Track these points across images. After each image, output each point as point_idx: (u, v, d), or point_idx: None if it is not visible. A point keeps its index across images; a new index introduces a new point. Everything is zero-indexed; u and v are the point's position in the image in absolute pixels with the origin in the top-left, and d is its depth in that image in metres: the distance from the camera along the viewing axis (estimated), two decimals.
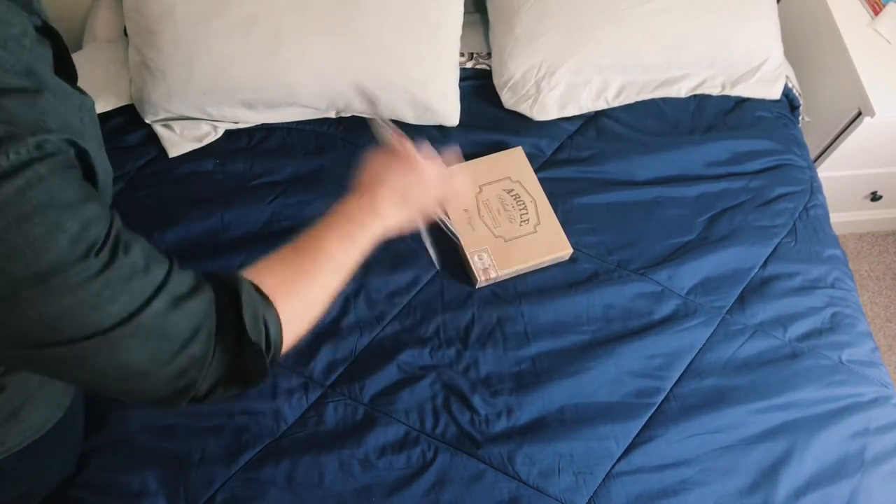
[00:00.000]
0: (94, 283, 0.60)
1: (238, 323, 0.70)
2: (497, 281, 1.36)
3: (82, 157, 0.63)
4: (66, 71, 0.74)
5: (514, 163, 1.47)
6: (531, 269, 1.38)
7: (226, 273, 0.74)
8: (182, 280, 0.68)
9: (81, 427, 1.14)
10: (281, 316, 0.74)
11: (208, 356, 0.68)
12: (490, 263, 1.35)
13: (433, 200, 0.98)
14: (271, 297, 0.74)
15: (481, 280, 1.34)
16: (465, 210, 1.40)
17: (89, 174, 0.65)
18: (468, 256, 1.35)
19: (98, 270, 0.60)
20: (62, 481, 1.12)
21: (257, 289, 0.73)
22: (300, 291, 0.79)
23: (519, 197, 1.43)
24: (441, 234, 1.24)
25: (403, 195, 0.93)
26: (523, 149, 1.50)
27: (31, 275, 0.57)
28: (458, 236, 1.33)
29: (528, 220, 1.41)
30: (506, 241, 1.38)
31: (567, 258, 1.40)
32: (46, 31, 0.70)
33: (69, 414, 0.97)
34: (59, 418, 0.95)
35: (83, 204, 0.61)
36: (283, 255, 0.82)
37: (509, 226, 1.40)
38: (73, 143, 0.61)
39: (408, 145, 0.97)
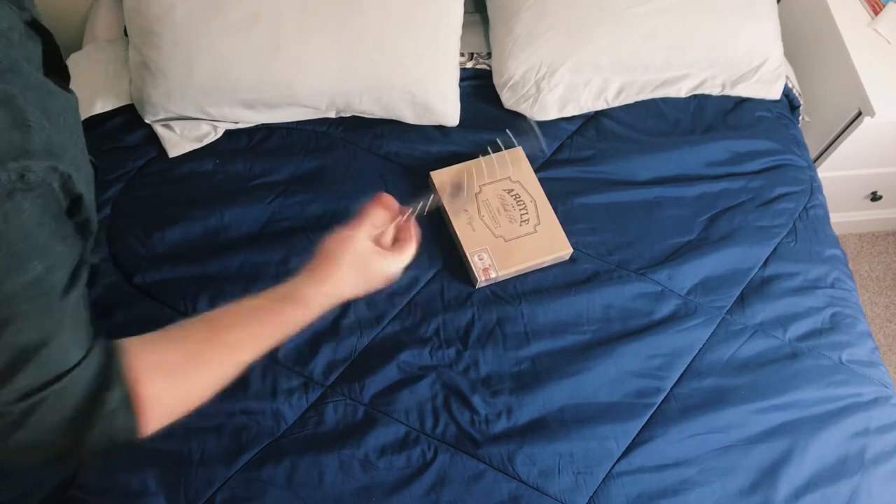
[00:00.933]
0: (29, 332, 0.59)
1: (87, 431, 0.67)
2: (497, 281, 1.36)
3: (65, 183, 0.61)
4: (57, 70, 0.72)
5: (514, 163, 1.47)
6: (531, 269, 1.38)
7: (107, 368, 0.68)
8: (84, 374, 0.65)
9: None
10: (144, 428, 0.71)
11: (49, 449, 0.66)
12: (490, 263, 1.35)
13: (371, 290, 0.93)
14: (143, 410, 0.70)
15: (481, 280, 1.34)
16: (465, 210, 1.40)
17: (73, 194, 0.63)
18: (468, 256, 1.35)
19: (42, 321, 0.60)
20: (60, 482, 1.12)
21: (128, 403, 0.69)
22: (181, 407, 0.76)
23: (519, 197, 1.43)
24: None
25: (351, 292, 0.89)
26: (523, 148, 1.50)
27: None
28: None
29: (528, 220, 1.41)
30: (506, 241, 1.38)
31: (567, 258, 1.40)
32: (37, 29, 0.69)
33: None
34: None
35: (54, 246, 0.60)
36: (190, 357, 0.76)
37: (509, 226, 1.40)
38: (55, 170, 0.59)
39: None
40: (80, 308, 0.65)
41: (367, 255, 0.90)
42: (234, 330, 0.79)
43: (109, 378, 0.67)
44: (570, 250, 1.39)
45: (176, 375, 0.74)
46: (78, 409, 0.65)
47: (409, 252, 0.94)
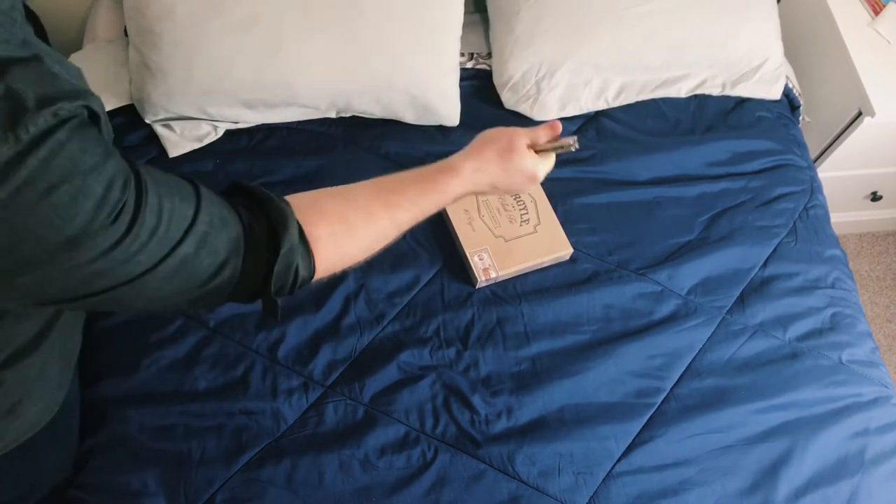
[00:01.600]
0: (123, 242, 0.62)
1: (267, 269, 0.72)
2: (497, 281, 1.36)
3: (94, 117, 0.65)
4: None
5: None
6: (531, 270, 1.38)
7: (276, 204, 0.76)
8: (211, 214, 0.70)
9: (76, 430, 1.14)
10: (319, 265, 0.77)
11: (228, 287, 0.71)
12: (490, 263, 1.35)
13: (516, 189, 1.00)
14: (318, 249, 0.76)
15: (481, 280, 1.34)
16: (466, 210, 1.40)
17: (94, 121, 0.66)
18: (468, 256, 1.35)
19: (125, 230, 0.62)
20: (57, 485, 1.12)
21: (303, 238, 0.75)
22: (350, 256, 0.82)
23: (519, 197, 1.43)
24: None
25: (495, 179, 0.96)
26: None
27: (63, 241, 0.59)
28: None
29: (528, 219, 1.41)
30: (506, 241, 1.38)
31: (567, 258, 1.40)
32: (28, 13, 0.71)
33: (63, 410, 0.97)
34: (55, 414, 0.95)
35: (104, 164, 0.62)
36: (354, 205, 0.84)
37: (509, 226, 1.40)
38: (85, 107, 0.62)
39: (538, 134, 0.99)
40: (160, 181, 0.67)
41: (518, 150, 0.96)
42: (394, 192, 0.87)
43: (283, 218, 0.75)
44: (570, 250, 1.39)
45: (345, 223, 0.81)
46: (234, 242, 0.71)
47: (550, 163, 1.01)
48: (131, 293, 0.66)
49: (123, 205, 0.62)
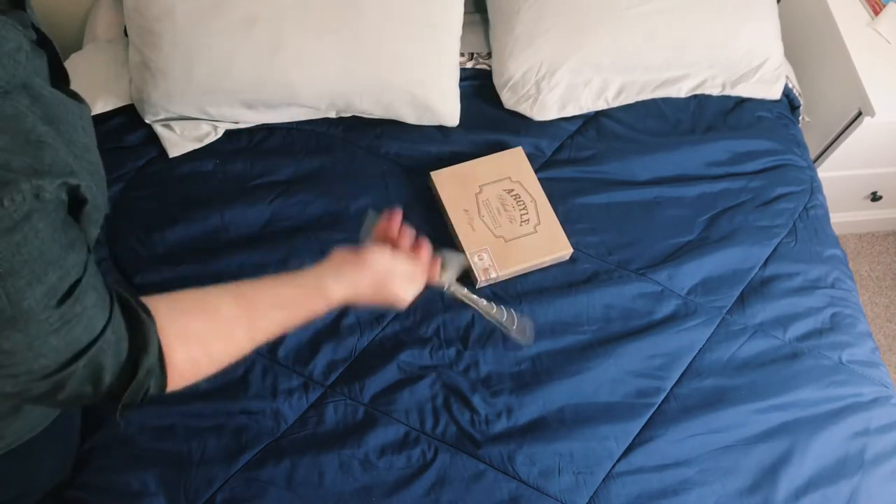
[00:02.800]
0: (48, 334, 0.64)
1: (123, 384, 0.72)
2: (497, 281, 1.36)
3: (73, 191, 0.65)
4: (60, 76, 0.75)
5: (514, 163, 1.47)
6: (531, 270, 1.38)
7: (143, 324, 0.73)
8: (111, 334, 0.70)
9: (76, 432, 1.14)
10: (170, 386, 0.76)
11: (86, 397, 0.71)
12: (490, 264, 1.35)
13: (392, 299, 0.97)
14: (173, 372, 0.75)
15: (481, 280, 1.34)
16: (466, 210, 1.40)
17: (78, 202, 0.67)
18: (468, 256, 1.35)
19: (57, 323, 0.64)
20: (56, 485, 1.12)
21: (161, 361, 0.74)
22: (207, 370, 0.80)
23: (519, 197, 1.43)
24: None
25: (363, 290, 0.93)
26: (524, 148, 1.50)
27: (2, 320, 0.61)
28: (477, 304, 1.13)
29: (528, 220, 1.41)
30: (506, 241, 1.38)
31: (567, 258, 1.40)
32: (41, 42, 0.71)
33: (64, 413, 0.97)
34: (56, 417, 0.95)
35: (66, 256, 0.64)
36: (220, 325, 0.82)
37: (509, 226, 1.40)
38: (65, 184, 0.63)
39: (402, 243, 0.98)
40: (95, 274, 0.69)
41: (391, 274, 0.94)
42: (260, 314, 0.85)
43: (145, 340, 0.73)
44: (570, 250, 1.39)
45: (203, 345, 0.79)
46: (118, 364, 0.71)
47: (418, 287, 1.00)
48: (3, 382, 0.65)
49: (66, 296, 0.64)
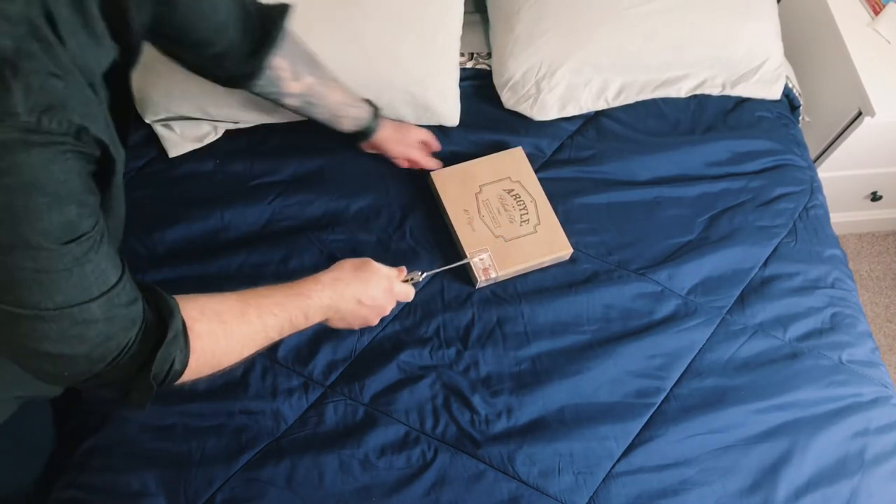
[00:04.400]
0: (58, 270, 0.64)
1: (149, 356, 0.74)
2: (497, 281, 1.36)
3: (104, 153, 0.68)
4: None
5: (514, 163, 1.47)
6: (531, 269, 1.38)
7: (166, 300, 0.78)
8: (124, 291, 0.72)
9: (47, 442, 1.16)
10: (194, 362, 0.79)
11: (105, 365, 0.72)
12: (490, 263, 1.35)
13: (377, 302, 1.06)
14: (195, 346, 0.79)
15: (481, 280, 1.34)
16: (465, 210, 1.40)
17: (108, 161, 0.70)
18: (468, 257, 1.35)
19: (68, 261, 0.65)
20: (44, 487, 1.12)
21: (185, 332, 0.78)
22: (222, 360, 0.85)
23: (519, 197, 1.43)
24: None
25: (354, 289, 1.01)
26: (524, 148, 1.50)
27: (15, 233, 0.61)
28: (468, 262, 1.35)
29: (528, 220, 1.41)
30: (506, 241, 1.38)
31: (567, 258, 1.40)
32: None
33: (24, 416, 0.98)
34: (8, 417, 0.96)
35: (87, 198, 0.65)
36: (231, 308, 0.87)
37: (509, 226, 1.39)
38: (99, 142, 0.66)
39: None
40: (103, 235, 0.70)
41: (372, 265, 1.03)
42: (264, 296, 0.91)
43: (169, 308, 0.76)
44: (570, 250, 1.39)
45: (222, 321, 0.83)
46: (132, 326, 0.73)
47: (407, 287, 1.10)
48: (20, 322, 0.66)
49: (81, 237, 0.65)
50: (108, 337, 0.70)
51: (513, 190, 1.43)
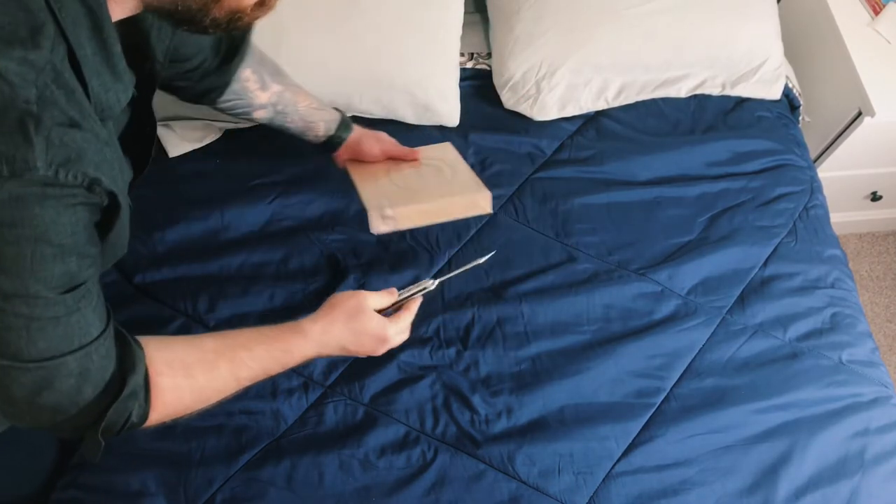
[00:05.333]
0: (50, 319, 0.65)
1: (103, 411, 0.73)
2: (400, 228, 1.21)
3: (113, 199, 0.69)
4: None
5: (439, 151, 1.36)
6: (444, 215, 1.22)
7: (132, 351, 0.76)
8: (103, 346, 0.72)
9: (49, 448, 1.15)
10: (153, 416, 0.78)
11: (66, 418, 0.72)
12: (390, 209, 1.19)
13: (366, 351, 1.00)
14: (157, 401, 0.77)
15: (377, 223, 1.19)
16: (373, 174, 1.29)
17: (114, 208, 0.71)
18: (364, 202, 1.20)
19: (61, 311, 0.66)
20: (42, 488, 1.13)
21: (146, 386, 0.76)
22: (187, 409, 0.83)
23: (438, 167, 1.31)
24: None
25: (343, 340, 0.96)
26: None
27: (16, 281, 0.62)
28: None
29: (444, 177, 1.28)
30: (412, 190, 1.23)
31: (487, 206, 1.24)
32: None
33: (9, 433, 0.97)
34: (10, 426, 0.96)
35: (89, 250, 0.67)
36: (201, 359, 0.84)
37: (419, 181, 1.26)
38: (109, 192, 0.67)
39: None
40: (96, 285, 0.71)
41: (366, 312, 0.96)
42: (241, 348, 0.87)
43: (133, 362, 0.75)
44: (489, 193, 1.23)
45: (188, 374, 0.81)
46: (102, 382, 0.72)
47: (402, 325, 1.01)
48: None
49: (77, 287, 0.66)
50: (77, 391, 0.70)
51: (432, 163, 1.33)
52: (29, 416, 0.71)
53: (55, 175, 0.60)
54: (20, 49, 0.60)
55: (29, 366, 0.66)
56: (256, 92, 1.16)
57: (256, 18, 0.73)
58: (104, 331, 0.71)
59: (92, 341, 0.70)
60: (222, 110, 1.19)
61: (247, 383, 0.88)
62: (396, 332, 0.99)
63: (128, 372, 0.74)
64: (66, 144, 0.61)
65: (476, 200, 1.23)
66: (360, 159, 1.31)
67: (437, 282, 1.04)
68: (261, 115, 1.20)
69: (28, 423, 0.73)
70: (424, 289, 1.03)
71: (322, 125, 1.26)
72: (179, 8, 0.68)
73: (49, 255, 0.63)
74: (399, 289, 1.03)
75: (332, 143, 1.29)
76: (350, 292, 0.98)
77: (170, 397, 0.79)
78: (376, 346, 0.98)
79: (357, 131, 1.30)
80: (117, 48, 0.70)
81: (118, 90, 0.73)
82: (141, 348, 0.77)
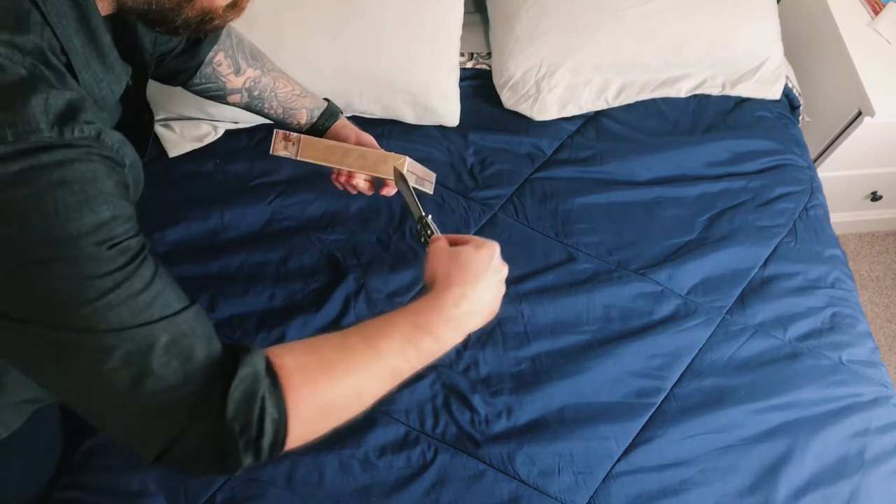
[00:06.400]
0: (101, 279, 0.59)
1: (223, 398, 0.63)
2: (300, 159, 1.11)
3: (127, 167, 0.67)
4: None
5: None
6: (350, 160, 1.10)
7: (245, 343, 0.68)
8: (198, 323, 0.65)
9: (56, 446, 1.14)
10: (291, 417, 0.67)
11: (185, 410, 0.63)
12: (293, 137, 1.10)
13: (499, 300, 0.87)
14: (286, 392, 0.66)
15: (278, 146, 1.10)
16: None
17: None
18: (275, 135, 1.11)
19: (111, 269, 0.60)
20: (44, 489, 1.12)
21: (269, 368, 0.66)
22: (327, 393, 0.70)
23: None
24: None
25: (479, 299, 0.82)
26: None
27: (49, 239, 0.57)
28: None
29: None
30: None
31: (400, 166, 1.09)
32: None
33: (17, 435, 0.95)
34: (24, 422, 0.95)
35: (120, 200, 0.62)
36: (322, 346, 0.73)
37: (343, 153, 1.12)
38: (123, 152, 0.65)
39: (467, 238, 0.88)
40: (156, 260, 0.66)
41: (495, 267, 0.84)
42: (384, 338, 0.75)
43: (245, 347, 0.66)
44: (407, 160, 1.10)
45: (313, 353, 0.71)
46: (207, 357, 0.64)
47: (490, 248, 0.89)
48: (81, 350, 0.59)
49: (120, 245, 0.61)
50: (182, 369, 0.62)
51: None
52: (144, 422, 0.62)
53: (60, 135, 0.58)
54: (6, 33, 0.59)
55: (110, 335, 0.59)
56: (229, 76, 1.13)
57: (228, 20, 0.72)
58: (188, 306, 0.65)
59: (176, 312, 0.63)
60: (197, 93, 1.15)
61: (400, 360, 0.76)
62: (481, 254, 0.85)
63: (241, 352, 0.65)
64: (65, 102, 0.60)
65: (388, 157, 1.09)
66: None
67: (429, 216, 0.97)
68: (235, 100, 1.17)
69: (147, 442, 0.63)
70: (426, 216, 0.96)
71: (304, 112, 1.19)
72: (154, 7, 0.67)
73: (73, 203, 0.57)
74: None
75: (313, 132, 1.20)
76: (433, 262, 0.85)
77: (301, 380, 0.67)
78: (498, 285, 0.85)
79: (341, 122, 1.20)
80: (107, 39, 0.70)
81: (111, 81, 0.71)
82: (254, 345, 0.68)
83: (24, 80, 0.59)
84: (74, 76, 0.66)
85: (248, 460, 0.65)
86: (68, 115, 0.59)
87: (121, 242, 0.61)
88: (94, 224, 0.59)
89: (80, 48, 0.66)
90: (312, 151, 1.09)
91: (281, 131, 1.09)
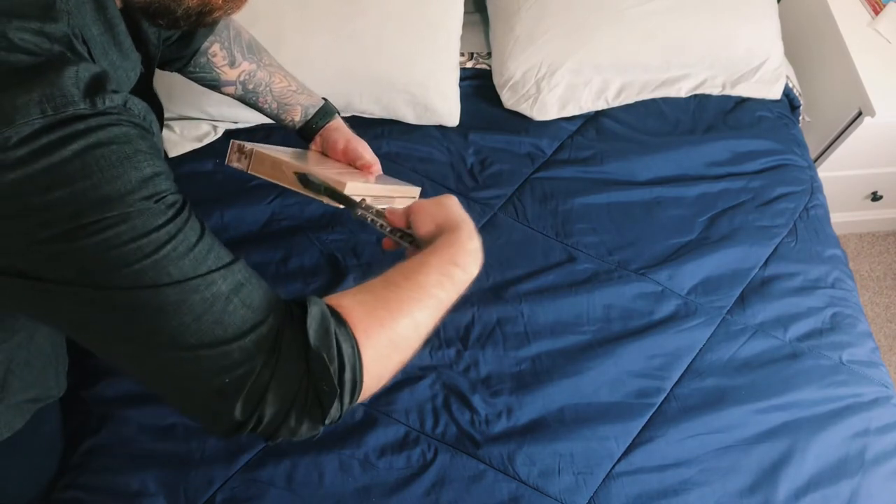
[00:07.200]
0: (158, 231, 0.60)
1: (304, 339, 0.64)
2: (253, 173, 1.01)
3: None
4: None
5: (405, 191, 1.13)
6: (298, 184, 1.00)
7: (298, 297, 0.68)
8: (249, 272, 0.66)
9: (56, 447, 1.14)
10: (364, 353, 0.67)
11: (266, 349, 0.63)
12: (247, 149, 1.01)
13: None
14: (353, 328, 0.67)
15: (232, 156, 1.01)
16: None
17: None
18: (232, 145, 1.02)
19: (163, 222, 0.60)
20: (44, 490, 1.12)
21: (333, 311, 0.67)
22: (389, 325, 0.71)
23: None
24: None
25: (477, 235, 0.85)
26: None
27: (96, 198, 0.58)
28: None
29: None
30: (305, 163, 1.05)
31: (348, 190, 0.97)
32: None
33: (19, 436, 0.95)
34: (25, 424, 0.95)
35: (157, 158, 0.63)
36: (371, 286, 0.74)
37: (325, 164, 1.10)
38: (151, 128, 0.66)
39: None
40: (200, 219, 0.65)
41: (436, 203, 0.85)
42: (422, 274, 0.77)
43: (304, 297, 0.67)
44: (359, 184, 1.00)
45: (365, 292, 0.73)
46: (268, 302, 0.65)
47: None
48: (144, 309, 0.60)
49: (167, 197, 0.62)
50: (248, 314, 0.62)
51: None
52: (224, 375, 0.61)
53: (92, 105, 0.59)
54: (35, 22, 0.60)
55: (172, 289, 0.59)
56: (223, 68, 1.13)
57: (228, 12, 0.72)
58: (238, 258, 0.65)
59: (229, 263, 0.64)
60: (193, 80, 1.16)
61: (434, 285, 0.78)
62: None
63: (306, 301, 0.66)
64: (92, 75, 0.61)
65: (340, 183, 0.97)
66: (325, 153, 1.19)
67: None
68: (230, 92, 1.17)
69: (229, 398, 0.62)
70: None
71: (299, 109, 1.18)
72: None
73: (115, 161, 0.58)
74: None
75: (306, 131, 1.18)
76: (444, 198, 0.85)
77: (362, 313, 0.68)
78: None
79: (334, 124, 1.18)
80: (122, 26, 0.71)
81: (127, 68, 0.73)
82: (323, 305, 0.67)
83: (55, 56, 0.60)
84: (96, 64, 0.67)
85: (346, 397, 0.65)
86: (97, 87, 0.60)
87: (166, 197, 0.62)
88: (138, 179, 0.60)
89: (97, 36, 0.68)
90: (262, 166, 1.02)
91: (237, 142, 1.01)
